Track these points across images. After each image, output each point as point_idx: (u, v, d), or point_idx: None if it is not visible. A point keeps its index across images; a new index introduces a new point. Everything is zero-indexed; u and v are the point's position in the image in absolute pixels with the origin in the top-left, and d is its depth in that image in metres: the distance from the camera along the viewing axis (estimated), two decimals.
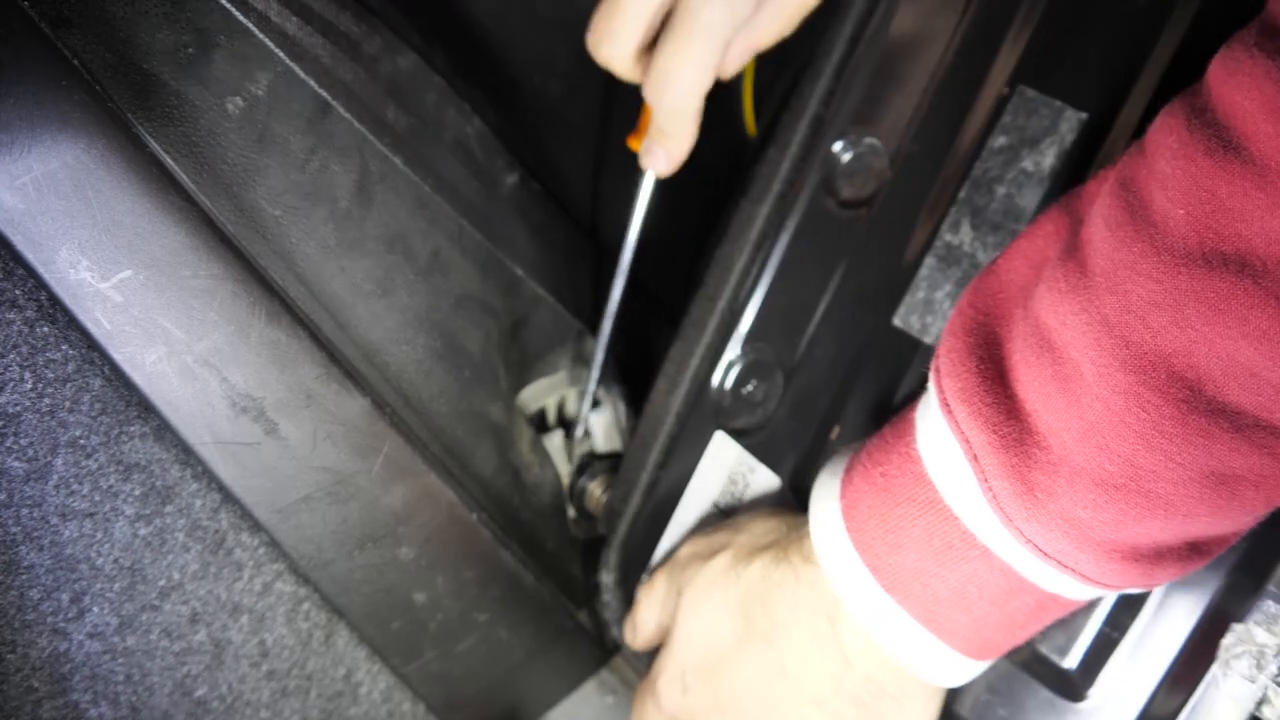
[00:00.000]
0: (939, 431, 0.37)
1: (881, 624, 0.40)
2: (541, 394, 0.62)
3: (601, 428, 0.63)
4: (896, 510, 0.39)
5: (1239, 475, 0.31)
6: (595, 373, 0.60)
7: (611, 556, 0.55)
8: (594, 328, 0.63)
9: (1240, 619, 0.37)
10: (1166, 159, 0.31)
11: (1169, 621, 0.40)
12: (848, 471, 0.42)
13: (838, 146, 0.49)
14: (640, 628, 0.52)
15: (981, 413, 0.35)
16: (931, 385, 0.38)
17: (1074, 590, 0.36)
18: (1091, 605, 0.42)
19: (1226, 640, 0.37)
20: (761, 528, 0.49)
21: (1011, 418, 0.34)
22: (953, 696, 0.45)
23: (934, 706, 0.43)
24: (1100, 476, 0.32)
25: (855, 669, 0.42)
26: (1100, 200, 0.34)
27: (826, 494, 0.43)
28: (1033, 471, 0.34)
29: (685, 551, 0.51)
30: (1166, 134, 0.31)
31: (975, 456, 0.35)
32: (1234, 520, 0.33)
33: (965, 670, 0.41)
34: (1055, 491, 0.33)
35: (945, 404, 0.37)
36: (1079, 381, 0.32)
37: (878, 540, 0.39)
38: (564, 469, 0.63)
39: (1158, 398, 0.31)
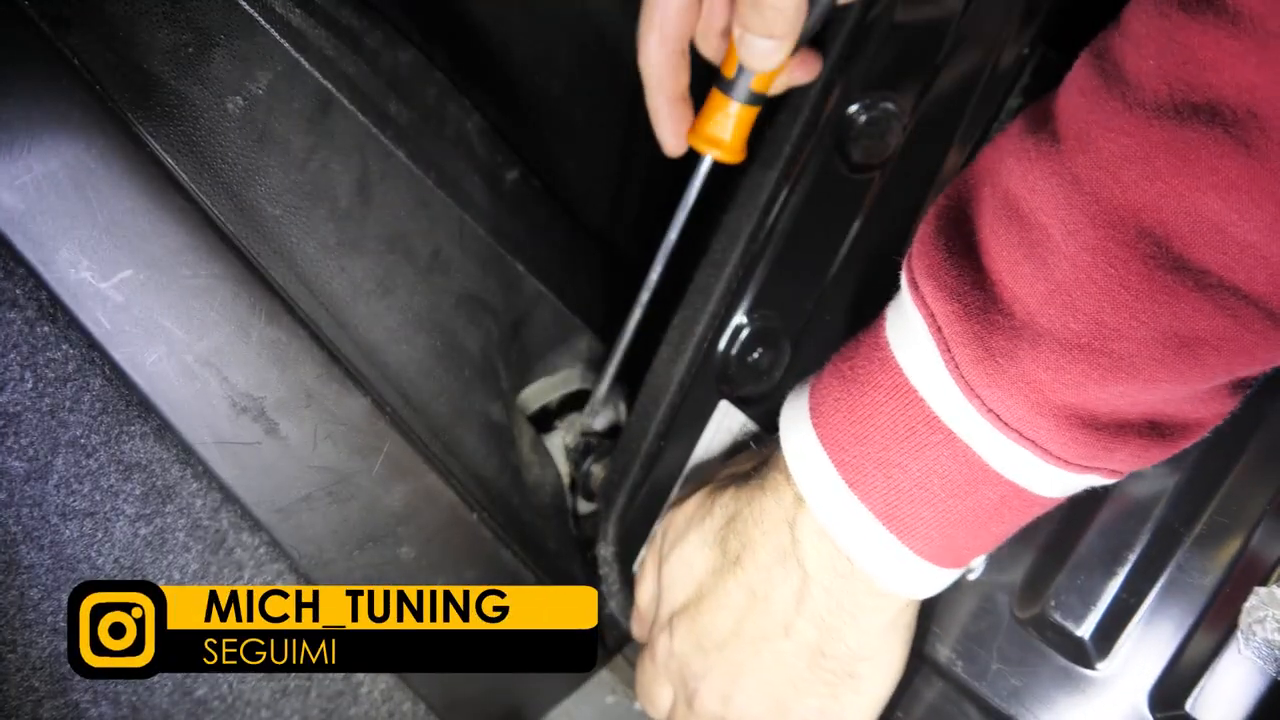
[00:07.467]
0: (906, 312, 0.37)
1: (839, 521, 0.39)
2: (542, 393, 0.62)
3: (603, 427, 0.63)
4: (862, 400, 0.38)
5: (1201, 338, 0.31)
6: (619, 353, 0.58)
7: (609, 529, 0.54)
8: (595, 326, 0.63)
9: (1263, 582, 0.36)
10: (1141, 20, 0.31)
11: (1188, 586, 0.39)
12: (819, 373, 0.41)
13: (853, 109, 0.47)
14: (644, 613, 0.50)
15: (947, 284, 0.35)
16: (902, 272, 0.38)
17: (1036, 477, 0.35)
18: (1108, 569, 0.40)
19: (1249, 603, 0.36)
20: (739, 459, 0.47)
21: (976, 287, 0.35)
22: (964, 667, 0.43)
23: (899, 635, 0.42)
24: (1064, 337, 0.32)
25: (814, 581, 0.41)
26: (1073, 72, 0.34)
27: (796, 395, 0.42)
28: (994, 337, 0.34)
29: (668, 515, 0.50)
30: (1141, 1, 0.32)
31: (939, 328, 0.35)
32: (1192, 386, 0.33)
33: (924, 579, 0.39)
34: (1017, 355, 0.33)
35: (913, 282, 0.37)
36: (1046, 245, 0.33)
37: (843, 431, 0.39)
38: (565, 468, 0.62)
39: (1126, 253, 0.31)
